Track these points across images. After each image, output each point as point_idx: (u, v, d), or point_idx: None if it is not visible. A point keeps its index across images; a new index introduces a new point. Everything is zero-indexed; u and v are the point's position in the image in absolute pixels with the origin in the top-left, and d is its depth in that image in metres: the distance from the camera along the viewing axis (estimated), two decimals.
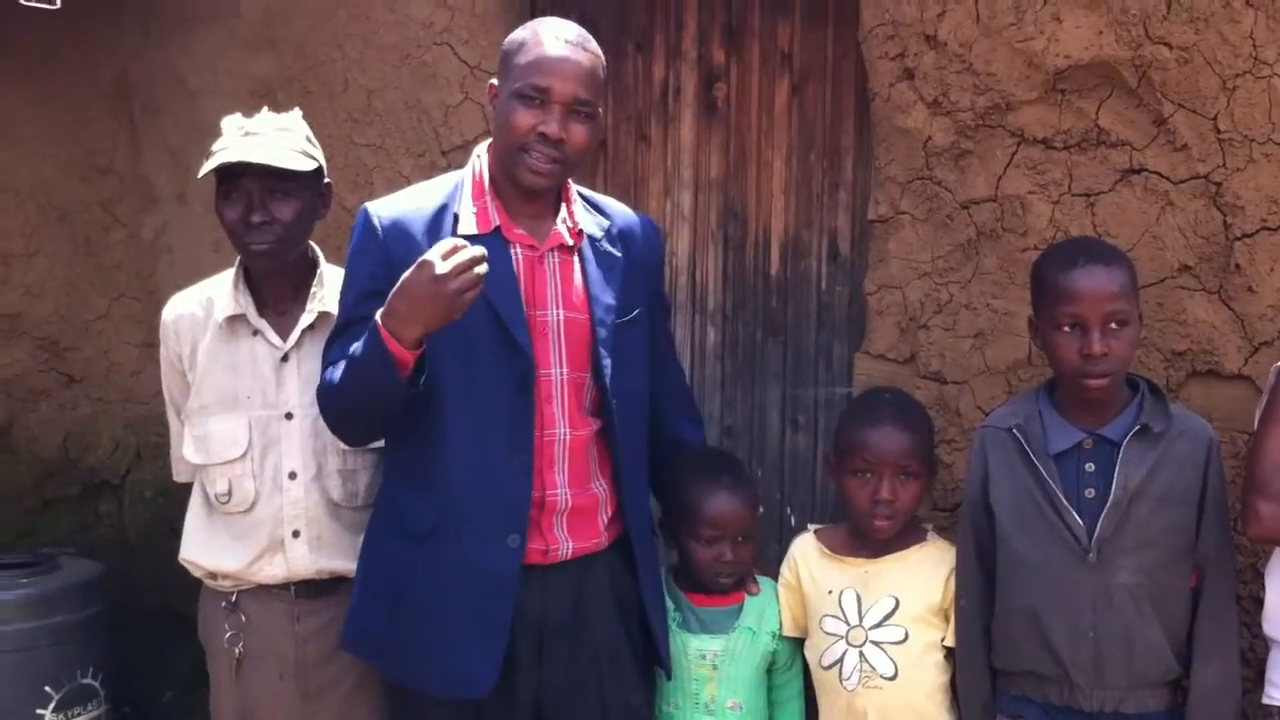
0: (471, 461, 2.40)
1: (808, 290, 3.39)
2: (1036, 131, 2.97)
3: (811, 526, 2.85)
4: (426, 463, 2.43)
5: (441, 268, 2.14)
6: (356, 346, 2.31)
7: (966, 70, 2.99)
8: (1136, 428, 2.45)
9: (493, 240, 2.40)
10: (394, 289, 2.21)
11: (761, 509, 3.35)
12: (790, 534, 2.90)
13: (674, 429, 2.79)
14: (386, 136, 3.68)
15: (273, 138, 2.64)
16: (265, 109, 2.76)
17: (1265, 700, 2.41)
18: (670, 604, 2.73)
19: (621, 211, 2.65)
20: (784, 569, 2.80)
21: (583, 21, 2.55)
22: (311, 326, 2.67)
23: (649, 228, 2.69)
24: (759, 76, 3.41)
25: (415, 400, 2.32)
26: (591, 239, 2.52)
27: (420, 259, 2.18)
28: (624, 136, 3.54)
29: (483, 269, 2.17)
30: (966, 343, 3.06)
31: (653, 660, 2.64)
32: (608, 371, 2.47)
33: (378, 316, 2.24)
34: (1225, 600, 2.49)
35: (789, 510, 3.43)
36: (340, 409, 2.43)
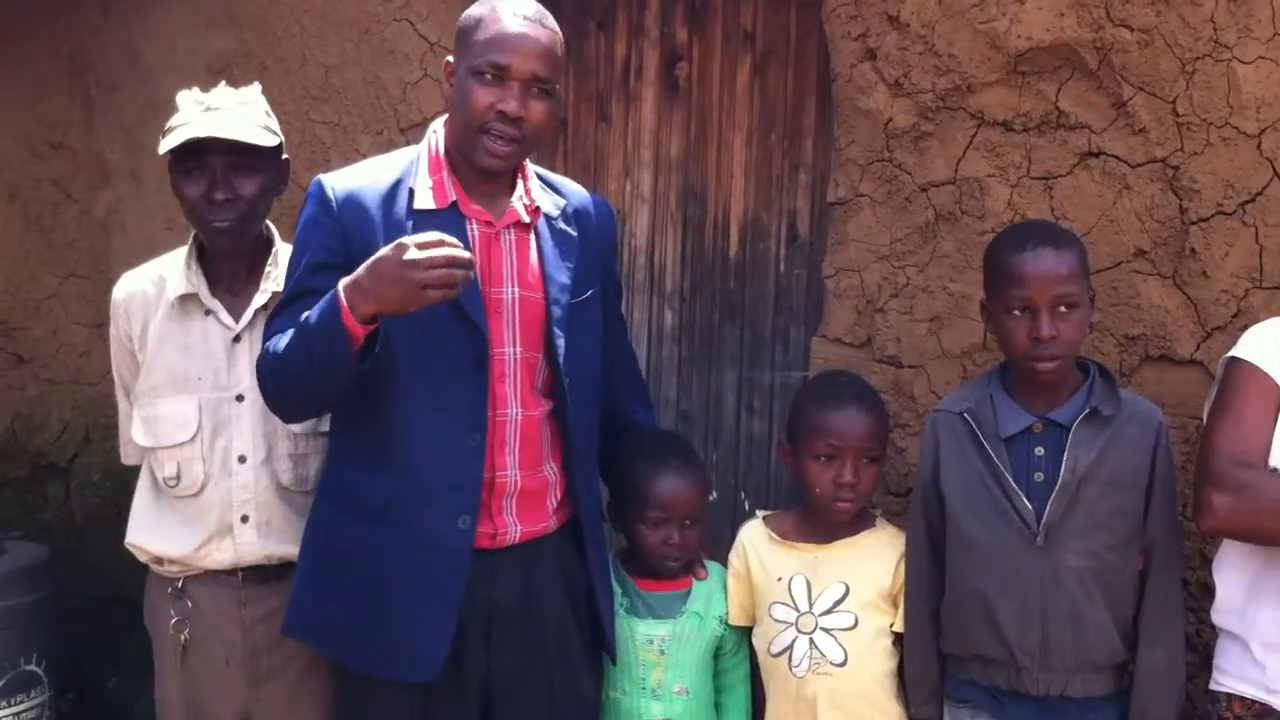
0: (427, 440, 2.38)
1: (766, 273, 3.38)
2: (996, 114, 2.96)
3: (760, 513, 2.84)
4: (382, 439, 2.41)
5: (412, 254, 2.11)
6: (310, 313, 2.27)
7: (928, 51, 2.98)
8: (1086, 411, 2.45)
9: (449, 215, 2.38)
10: (368, 260, 2.18)
11: (716, 494, 3.37)
12: (745, 518, 2.89)
13: (626, 412, 2.78)
14: (344, 113, 3.64)
15: (235, 112, 2.60)
16: (223, 84, 2.71)
17: (1212, 686, 2.42)
18: (618, 588, 2.72)
19: (577, 191, 2.63)
20: (732, 557, 2.80)
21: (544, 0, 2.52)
22: (265, 307, 2.63)
23: (604, 208, 2.67)
24: (721, 56, 3.39)
25: (357, 381, 2.29)
26: (548, 217, 2.50)
27: (399, 239, 2.15)
28: (585, 116, 3.52)
29: (462, 274, 2.14)
30: (923, 326, 3.06)
31: (600, 645, 2.63)
32: (561, 351, 2.45)
33: (341, 284, 2.21)
34: (1171, 584, 2.50)
35: (744, 495, 3.43)
36: (281, 379, 2.36)
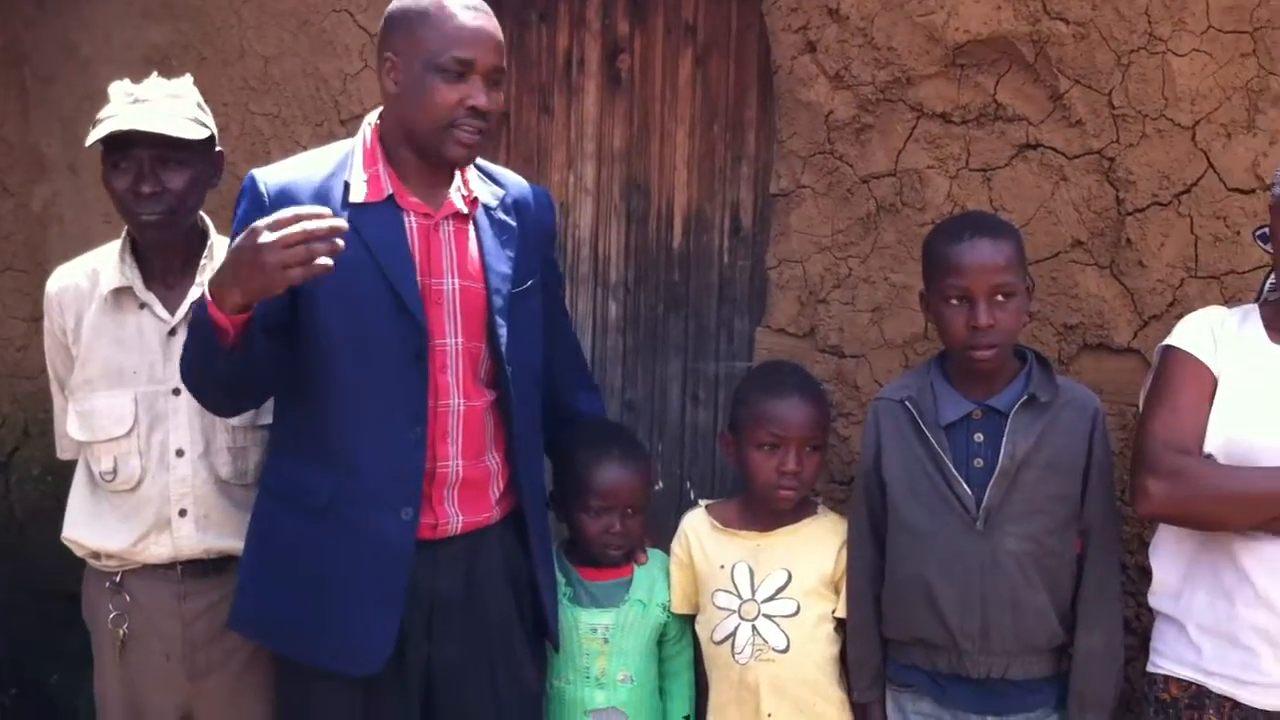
0: (367, 433, 2.37)
1: (709, 264, 3.39)
2: (936, 106, 2.98)
3: (702, 502, 2.85)
4: (322, 434, 2.40)
5: (265, 237, 2.07)
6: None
7: (868, 44, 3.00)
8: (1024, 398, 2.48)
9: (386, 208, 2.37)
10: (228, 252, 2.16)
11: (661, 484, 3.38)
12: (690, 508, 2.90)
13: (571, 400, 2.79)
14: (284, 105, 3.61)
15: (163, 105, 2.57)
16: (155, 75, 2.68)
17: (1150, 668, 2.45)
18: (561, 578, 2.73)
19: (515, 181, 2.63)
20: (675, 546, 2.80)
21: None
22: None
23: (543, 197, 2.67)
24: (663, 48, 3.39)
25: (249, 367, 2.27)
26: (486, 208, 2.50)
27: (253, 224, 2.12)
28: (527, 108, 3.51)
29: (325, 247, 2.08)
30: (865, 316, 3.08)
31: (544, 634, 2.63)
32: (503, 341, 2.45)
33: (208, 279, 2.20)
34: (1109, 567, 2.54)
35: (689, 484, 3.44)
36: (186, 379, 2.39)
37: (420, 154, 2.40)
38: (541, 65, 3.48)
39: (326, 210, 2.14)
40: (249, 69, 3.66)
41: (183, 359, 2.37)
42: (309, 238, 2.08)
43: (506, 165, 3.35)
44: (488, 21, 2.37)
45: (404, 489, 2.37)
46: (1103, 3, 2.82)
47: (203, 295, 2.19)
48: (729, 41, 3.34)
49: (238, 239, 2.14)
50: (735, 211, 3.37)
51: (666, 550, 2.83)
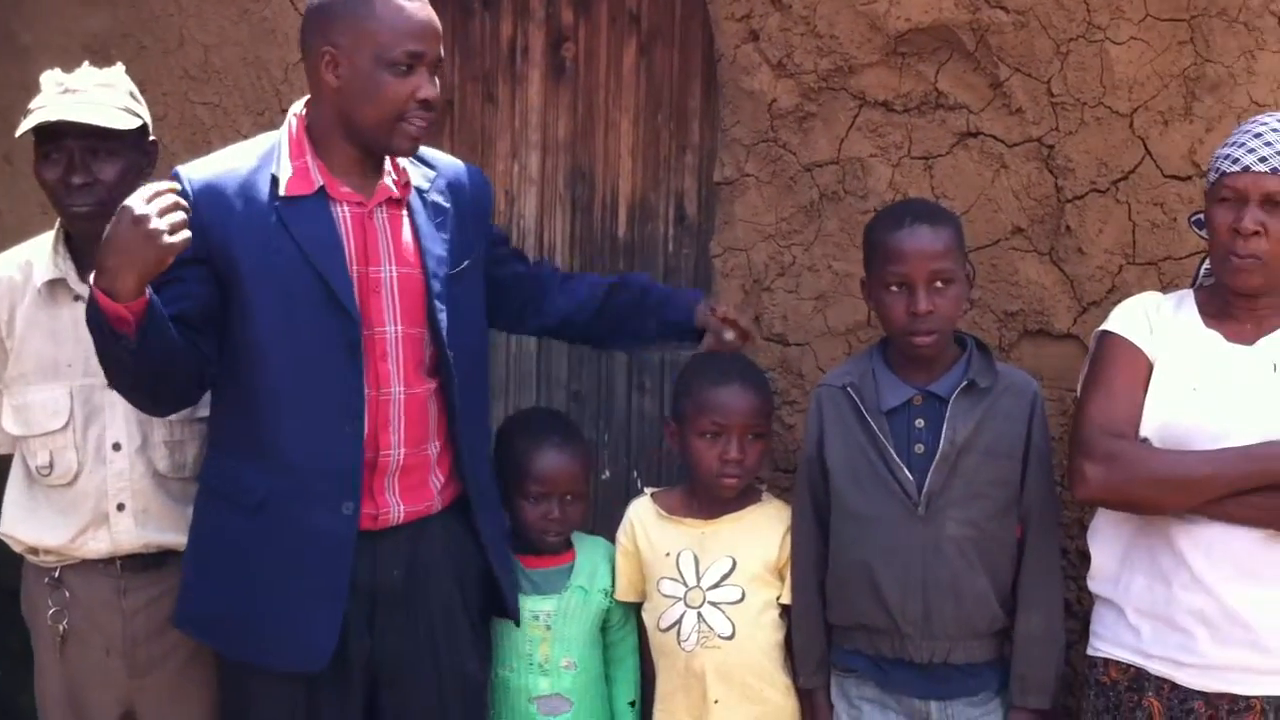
0: (303, 428, 2.36)
1: (655, 253, 3.39)
2: (877, 94, 3.00)
3: (648, 490, 2.86)
4: (256, 431, 2.38)
5: (142, 209, 2.08)
6: None
7: (810, 33, 3.00)
8: (964, 384, 2.50)
9: (315, 201, 2.36)
10: (100, 245, 2.14)
11: (609, 472, 3.38)
12: (637, 496, 2.90)
13: (568, 295, 2.77)
14: (224, 94, 3.56)
15: (94, 94, 2.54)
16: (86, 64, 2.65)
17: (1090, 652, 2.48)
18: None
19: (447, 161, 2.62)
20: (620, 534, 2.81)
21: None
22: None
23: (476, 175, 2.67)
24: (606, 37, 3.38)
25: (166, 356, 2.25)
26: (419, 191, 2.49)
27: (120, 206, 2.11)
28: (471, 96, 3.48)
29: (181, 216, 2.13)
30: (809, 304, 3.09)
31: (489, 624, 2.64)
32: (444, 325, 2.44)
33: (90, 277, 2.17)
34: (1049, 551, 2.57)
35: (636, 474, 3.44)
36: (110, 381, 2.36)
37: (364, 146, 2.38)
38: (485, 54, 3.46)
39: (175, 185, 2.17)
40: (189, 57, 3.61)
41: (102, 367, 2.33)
42: (177, 206, 2.12)
43: (451, 154, 3.35)
44: (429, 11, 2.36)
45: (342, 484, 2.36)
46: None
47: (91, 295, 2.16)
48: (673, 30, 3.33)
49: (106, 229, 2.13)
50: (680, 200, 3.37)
51: (611, 537, 2.84)
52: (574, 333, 2.84)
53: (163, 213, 2.09)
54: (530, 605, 2.72)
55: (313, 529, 2.36)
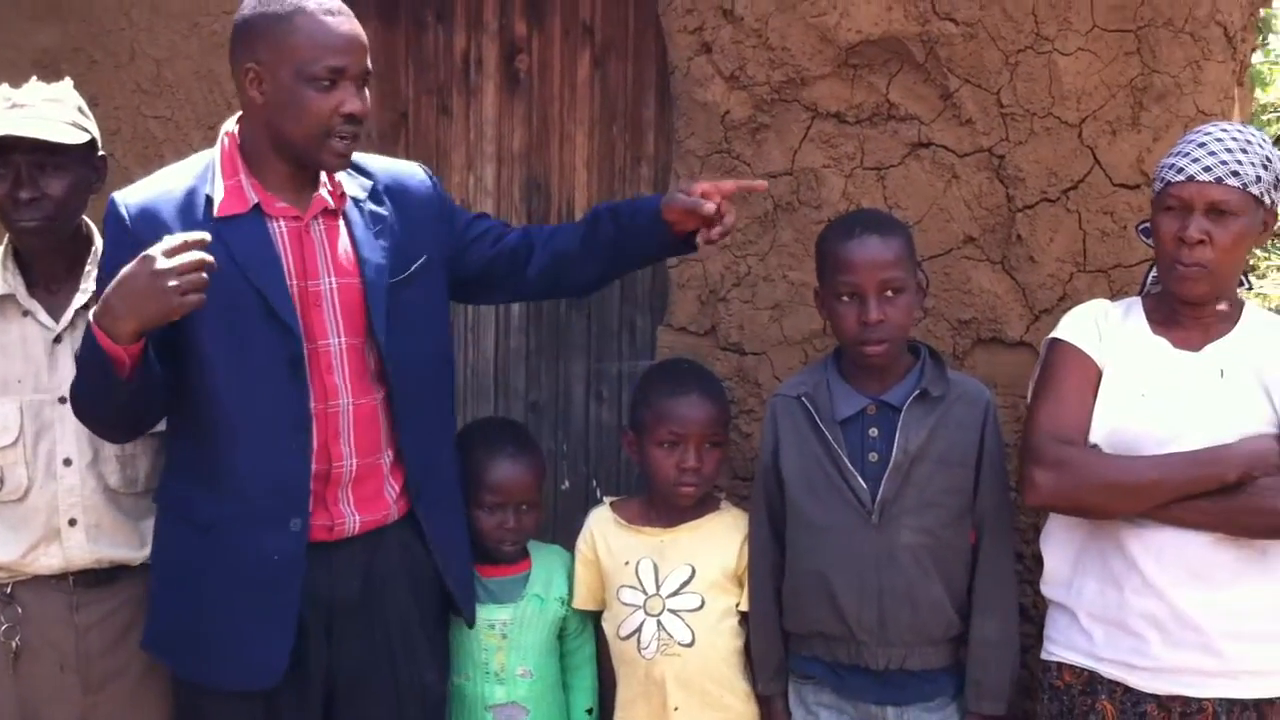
0: (249, 447, 2.35)
1: None
2: (830, 106, 3.02)
3: (607, 499, 2.87)
4: (204, 450, 2.38)
5: (163, 263, 2.08)
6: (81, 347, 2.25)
7: (762, 45, 3.03)
8: (917, 393, 2.52)
9: (251, 219, 2.35)
10: (112, 283, 2.14)
11: (568, 483, 3.38)
12: (596, 505, 2.91)
13: (553, 245, 2.66)
14: (176, 108, 3.54)
15: (42, 109, 2.52)
16: (34, 79, 2.63)
17: (1044, 656, 2.51)
18: None
19: (385, 167, 2.59)
20: (580, 543, 2.82)
21: None
22: (86, 306, 2.55)
23: (418, 174, 2.63)
24: (560, 48, 3.38)
25: (148, 393, 2.26)
26: (355, 200, 2.47)
27: (143, 253, 2.11)
28: (425, 109, 3.48)
29: (202, 277, 2.11)
30: (765, 314, 3.10)
31: (447, 633, 2.64)
32: (382, 335, 2.43)
33: (91, 314, 2.17)
34: (1003, 557, 2.59)
35: (595, 483, 3.44)
36: (80, 411, 2.37)
37: (294, 163, 2.37)
38: (439, 66, 3.46)
39: (208, 237, 2.14)
40: (141, 71, 3.58)
41: (76, 394, 2.35)
42: (202, 266, 2.10)
43: None
44: (352, 24, 2.33)
45: (289, 501, 2.35)
46: (990, 3, 2.87)
47: (89, 329, 2.16)
48: (627, 42, 3.34)
49: (125, 269, 2.13)
50: None
51: (571, 547, 2.84)
52: (571, 278, 2.69)
53: (183, 271, 2.08)
54: (486, 614, 2.71)
55: (261, 547, 2.34)
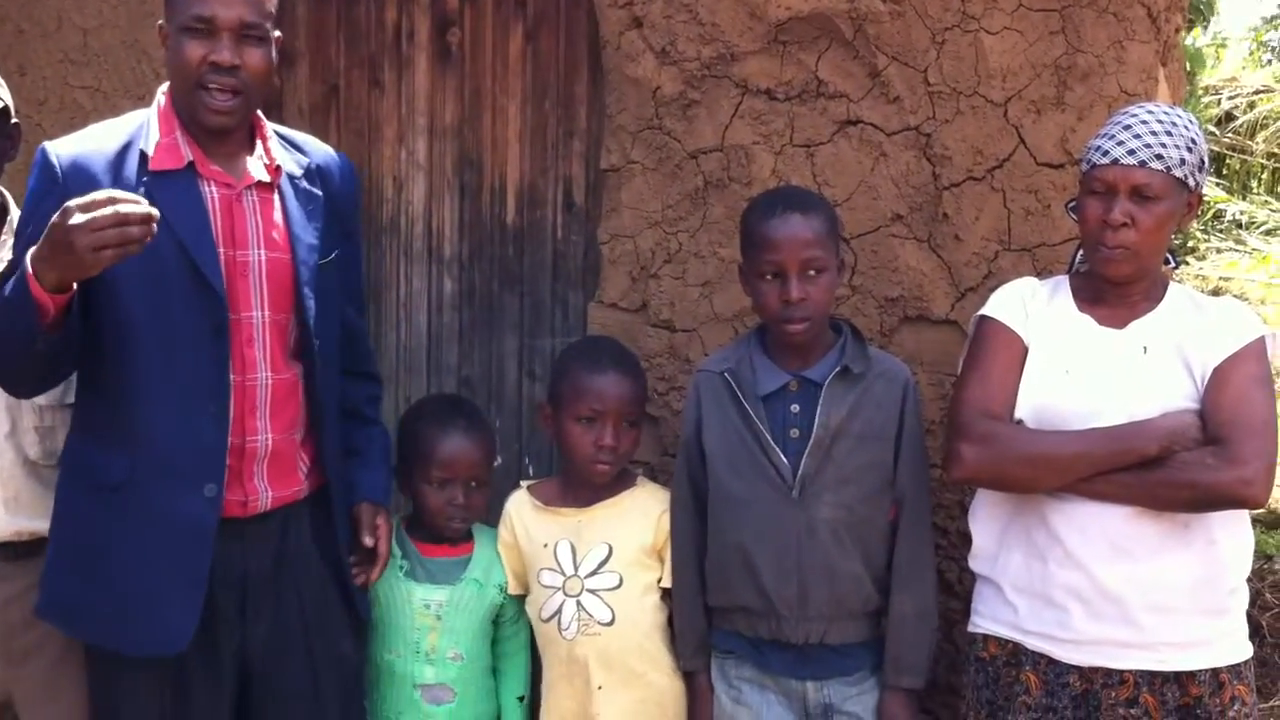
0: (166, 409, 2.32)
1: (543, 239, 3.38)
2: (760, 82, 3.02)
3: (524, 483, 2.86)
4: (118, 410, 2.34)
5: (76, 218, 2.02)
6: (7, 285, 2.19)
7: (693, 20, 3.02)
8: (838, 370, 2.53)
9: (186, 177, 2.33)
10: (47, 228, 2.09)
11: (500, 459, 3.37)
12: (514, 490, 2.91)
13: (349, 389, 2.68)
14: (104, 78, 3.49)
15: None
16: None
17: (970, 628, 2.54)
18: (398, 551, 2.72)
19: (318, 148, 2.59)
20: (500, 529, 2.81)
21: None
22: (1, 274, 2.52)
23: (346, 165, 2.63)
24: (492, 22, 3.36)
25: (66, 347, 2.21)
26: (291, 177, 2.46)
27: (66, 203, 2.05)
28: (357, 82, 3.45)
29: (139, 231, 2.03)
30: (695, 291, 3.11)
31: (366, 601, 2.63)
32: (311, 313, 2.42)
33: (28, 254, 2.12)
34: (921, 534, 2.61)
35: (527, 460, 3.44)
36: None
37: (193, 125, 2.35)
38: (370, 38, 3.43)
39: (142, 199, 2.08)
40: (68, 41, 3.53)
41: None
42: (122, 221, 2.02)
43: (337, 140, 3.32)
44: None
45: (205, 465, 2.33)
46: None
47: (23, 269, 2.11)
48: (558, 16, 3.32)
49: (53, 218, 2.07)
50: (568, 187, 3.36)
51: (499, 523, 2.84)
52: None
53: (97, 227, 2.00)
54: (422, 594, 2.71)
55: (174, 511, 2.32)
